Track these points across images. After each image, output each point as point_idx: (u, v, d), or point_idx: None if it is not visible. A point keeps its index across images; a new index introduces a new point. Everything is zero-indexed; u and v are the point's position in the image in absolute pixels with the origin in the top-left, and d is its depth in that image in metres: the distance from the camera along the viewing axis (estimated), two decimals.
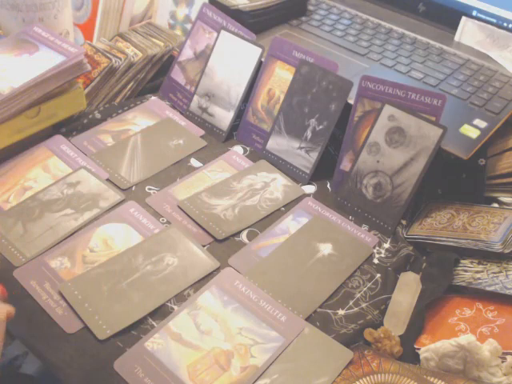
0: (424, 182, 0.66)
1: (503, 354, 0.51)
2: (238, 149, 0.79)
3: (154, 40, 0.89)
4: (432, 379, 0.49)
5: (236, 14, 0.82)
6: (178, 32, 0.95)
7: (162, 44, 0.88)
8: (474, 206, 0.68)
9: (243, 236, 0.66)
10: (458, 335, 0.54)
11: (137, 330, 0.55)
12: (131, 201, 0.69)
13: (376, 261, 0.65)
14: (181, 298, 0.59)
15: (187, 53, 0.85)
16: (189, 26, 0.91)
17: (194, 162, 0.76)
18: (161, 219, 0.67)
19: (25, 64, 0.73)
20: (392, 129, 0.68)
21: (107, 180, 0.71)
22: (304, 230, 0.67)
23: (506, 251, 0.60)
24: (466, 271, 0.61)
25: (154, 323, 0.56)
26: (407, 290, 0.61)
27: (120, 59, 0.82)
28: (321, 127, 0.73)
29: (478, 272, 0.60)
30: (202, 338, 0.54)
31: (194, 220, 0.67)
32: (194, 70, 0.84)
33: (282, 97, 0.76)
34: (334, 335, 0.56)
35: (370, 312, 0.59)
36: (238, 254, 0.64)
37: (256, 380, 0.52)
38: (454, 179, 0.71)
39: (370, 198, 0.69)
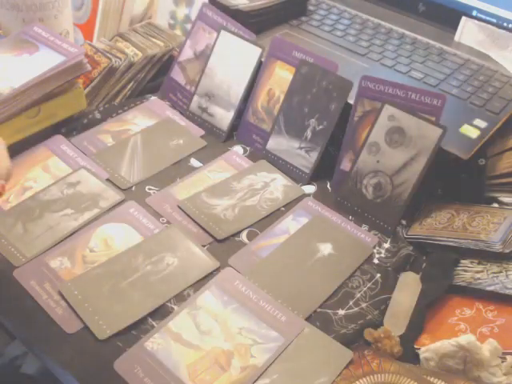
0: (424, 182, 0.66)
1: (503, 353, 0.51)
2: (238, 149, 0.79)
3: (154, 40, 0.89)
4: (432, 379, 0.49)
5: (236, 14, 0.82)
6: (178, 32, 0.95)
7: (162, 44, 0.88)
8: (474, 206, 0.68)
9: (243, 236, 0.66)
10: (458, 335, 0.54)
11: (137, 330, 0.55)
12: (131, 201, 0.69)
13: (376, 261, 0.65)
14: (181, 297, 0.58)
15: (187, 53, 0.85)
16: (189, 26, 0.91)
17: (193, 162, 0.76)
18: (161, 219, 0.67)
19: (25, 64, 0.73)
20: (392, 129, 0.68)
21: (107, 180, 0.71)
22: (304, 230, 0.67)
23: (506, 251, 0.60)
24: (466, 271, 0.61)
25: (153, 323, 0.56)
26: (407, 289, 0.61)
27: (120, 59, 0.82)
28: (321, 127, 0.73)
29: (478, 272, 0.60)
30: (202, 338, 0.54)
31: (193, 220, 0.67)
32: (193, 69, 0.84)
33: (282, 97, 0.76)
34: (334, 335, 0.56)
35: (370, 312, 0.59)
36: (238, 254, 0.64)
37: (256, 380, 0.52)
38: (454, 179, 0.71)
39: (370, 197, 0.69)
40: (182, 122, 0.82)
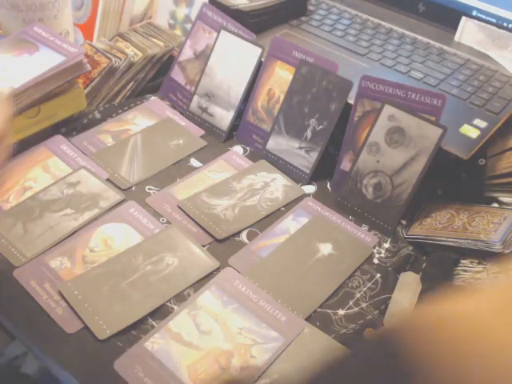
0: (424, 181, 0.66)
1: None
2: (238, 149, 0.79)
3: (154, 40, 0.89)
4: None
5: (236, 14, 0.82)
6: (178, 32, 0.95)
7: (162, 44, 0.88)
8: (473, 206, 0.68)
9: (243, 236, 0.66)
10: None
11: (137, 330, 0.55)
12: (131, 201, 0.69)
13: (376, 261, 0.65)
14: (181, 298, 0.59)
15: (187, 53, 0.85)
16: (189, 26, 0.91)
17: (193, 162, 0.76)
18: (161, 219, 0.67)
19: (25, 64, 0.73)
20: (392, 129, 0.68)
21: (107, 180, 0.71)
22: (304, 230, 0.67)
23: (506, 251, 0.60)
24: (465, 271, 0.61)
25: (153, 323, 0.56)
26: (407, 289, 0.61)
27: (120, 59, 0.82)
28: (321, 127, 0.73)
29: (477, 272, 0.60)
30: (202, 338, 0.54)
31: (194, 220, 0.67)
32: (193, 69, 0.84)
33: (282, 97, 0.76)
34: (334, 335, 0.56)
35: (370, 312, 0.59)
36: (238, 254, 0.64)
37: (256, 380, 0.52)
38: (454, 179, 0.71)
39: (370, 197, 0.69)
40: (182, 121, 0.82)
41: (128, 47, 0.86)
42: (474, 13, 0.86)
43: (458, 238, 0.63)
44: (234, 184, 0.72)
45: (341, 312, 0.59)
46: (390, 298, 0.60)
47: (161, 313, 0.57)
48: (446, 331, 0.26)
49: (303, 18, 0.91)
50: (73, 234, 0.64)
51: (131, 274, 0.60)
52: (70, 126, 0.79)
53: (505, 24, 0.84)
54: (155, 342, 0.54)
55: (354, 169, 0.70)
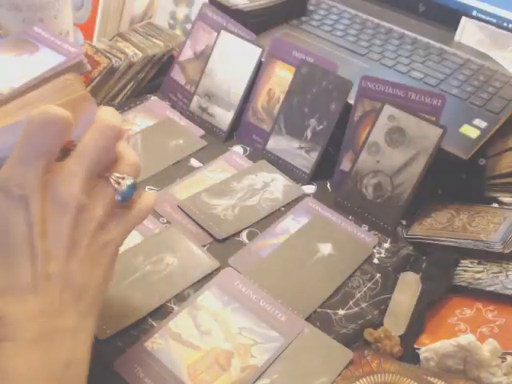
0: (424, 182, 0.66)
1: (503, 354, 0.51)
2: (238, 149, 0.79)
3: (154, 40, 0.89)
4: (432, 379, 0.49)
5: (236, 14, 0.82)
6: (178, 32, 0.95)
7: (161, 44, 0.88)
8: (474, 206, 0.68)
9: (243, 236, 0.66)
10: (458, 335, 0.54)
11: (137, 329, 0.55)
12: None
13: (376, 261, 0.65)
14: (181, 297, 0.59)
15: (187, 53, 0.85)
16: (189, 26, 0.91)
17: (193, 162, 0.76)
18: (161, 219, 0.67)
19: (25, 64, 0.73)
20: (392, 129, 0.68)
21: None
22: (304, 230, 0.67)
23: (506, 251, 0.60)
24: (465, 271, 0.61)
25: (153, 323, 0.56)
26: (407, 289, 0.61)
27: (120, 59, 0.82)
28: (321, 127, 0.73)
29: (478, 272, 0.61)
30: (201, 338, 0.54)
31: (194, 220, 0.67)
32: (193, 69, 0.84)
33: (282, 97, 0.76)
34: (334, 335, 0.56)
35: (370, 312, 0.59)
36: (238, 254, 0.64)
37: (256, 380, 0.52)
38: (454, 179, 0.71)
39: (370, 197, 0.69)
40: (182, 121, 0.82)
41: (128, 47, 0.86)
42: (474, 13, 0.86)
43: (458, 237, 0.63)
44: (234, 184, 0.72)
45: (341, 312, 0.59)
46: (389, 298, 0.60)
47: (161, 313, 0.57)
48: None
49: (303, 18, 0.91)
50: None
51: (131, 274, 0.59)
52: None
53: (505, 24, 0.84)
54: (155, 342, 0.54)
55: (353, 169, 0.70)
